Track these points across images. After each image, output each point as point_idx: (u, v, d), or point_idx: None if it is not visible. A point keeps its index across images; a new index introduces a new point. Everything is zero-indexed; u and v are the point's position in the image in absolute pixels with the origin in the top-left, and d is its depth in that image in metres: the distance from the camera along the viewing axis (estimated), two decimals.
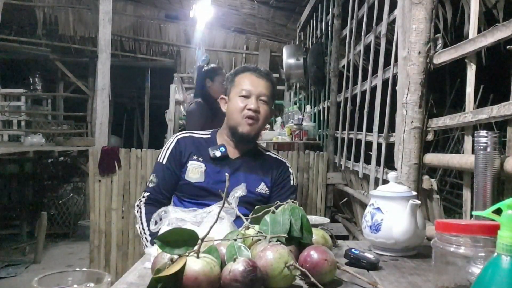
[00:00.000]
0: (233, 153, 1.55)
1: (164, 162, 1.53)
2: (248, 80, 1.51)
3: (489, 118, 1.14)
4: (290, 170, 1.61)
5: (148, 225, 1.43)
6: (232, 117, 1.51)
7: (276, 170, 1.57)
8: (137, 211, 1.49)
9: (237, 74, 1.55)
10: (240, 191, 1.07)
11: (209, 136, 1.60)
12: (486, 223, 0.71)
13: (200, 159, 1.52)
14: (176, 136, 1.59)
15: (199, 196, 1.47)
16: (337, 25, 3.23)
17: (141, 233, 1.44)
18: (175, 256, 0.76)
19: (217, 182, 1.47)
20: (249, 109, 1.47)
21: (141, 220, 1.46)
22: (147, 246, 1.37)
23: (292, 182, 1.60)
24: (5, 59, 6.38)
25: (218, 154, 1.50)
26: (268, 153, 1.65)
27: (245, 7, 5.22)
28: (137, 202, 1.53)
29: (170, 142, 1.57)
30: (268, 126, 4.10)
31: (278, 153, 3.11)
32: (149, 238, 1.39)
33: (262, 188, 1.53)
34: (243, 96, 1.49)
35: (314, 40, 4.15)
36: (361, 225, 1.23)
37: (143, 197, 1.53)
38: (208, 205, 1.06)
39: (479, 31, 1.25)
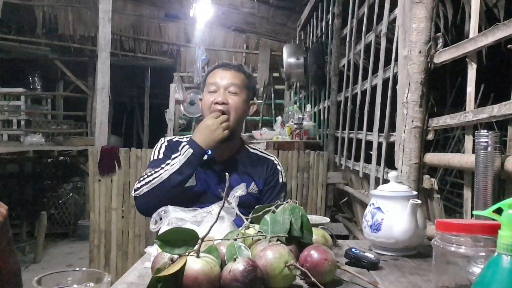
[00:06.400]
0: (220, 155, 1.50)
1: (160, 157, 1.47)
2: (216, 74, 1.48)
3: (490, 118, 1.14)
4: (278, 167, 1.58)
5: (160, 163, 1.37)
6: (204, 115, 1.48)
7: (265, 169, 1.54)
8: (139, 187, 1.37)
9: (208, 74, 1.53)
10: (240, 190, 1.07)
11: None
12: (486, 223, 0.71)
13: None
14: (165, 138, 1.57)
15: (190, 200, 1.39)
16: (338, 24, 3.23)
17: (163, 172, 1.34)
18: (175, 256, 0.75)
19: (207, 186, 1.44)
20: (216, 103, 1.43)
21: (152, 177, 1.36)
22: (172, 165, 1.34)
23: (281, 180, 1.56)
24: (4, 58, 6.38)
25: (205, 157, 1.45)
26: (254, 151, 1.60)
27: (245, 6, 5.22)
28: (135, 187, 1.39)
29: (161, 142, 1.54)
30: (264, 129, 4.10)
31: (278, 153, 3.16)
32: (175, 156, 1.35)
33: (253, 188, 1.50)
34: (211, 92, 1.46)
35: (314, 39, 4.14)
36: (361, 225, 1.23)
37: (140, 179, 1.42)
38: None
39: (479, 30, 1.24)
